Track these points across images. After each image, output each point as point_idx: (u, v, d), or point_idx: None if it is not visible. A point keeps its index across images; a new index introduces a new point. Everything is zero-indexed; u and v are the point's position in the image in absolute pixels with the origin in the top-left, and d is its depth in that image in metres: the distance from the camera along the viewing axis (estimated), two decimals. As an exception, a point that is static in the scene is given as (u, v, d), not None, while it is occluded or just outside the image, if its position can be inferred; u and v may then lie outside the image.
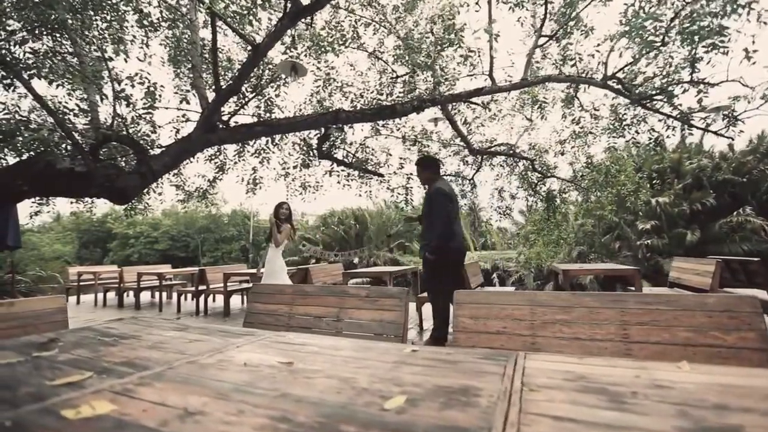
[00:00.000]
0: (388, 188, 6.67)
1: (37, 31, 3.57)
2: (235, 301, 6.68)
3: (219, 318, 5.57)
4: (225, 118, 4.88)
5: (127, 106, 4.08)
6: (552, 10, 5.11)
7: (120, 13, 4.16)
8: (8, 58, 3.38)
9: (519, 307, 1.61)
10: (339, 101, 6.00)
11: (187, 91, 5.56)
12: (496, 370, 0.82)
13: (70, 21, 3.47)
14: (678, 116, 4.86)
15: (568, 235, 9.21)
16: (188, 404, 0.63)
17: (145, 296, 7.48)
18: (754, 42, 3.89)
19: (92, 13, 3.91)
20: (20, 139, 3.60)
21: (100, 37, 4.24)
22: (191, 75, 5.28)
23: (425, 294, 3.78)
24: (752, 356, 1.27)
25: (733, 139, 4.65)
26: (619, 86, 4.90)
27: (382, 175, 6.40)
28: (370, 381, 0.75)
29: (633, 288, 3.99)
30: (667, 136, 5.13)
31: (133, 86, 3.91)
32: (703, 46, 3.85)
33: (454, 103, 6.13)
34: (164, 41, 5.26)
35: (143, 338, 1.17)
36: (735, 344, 1.31)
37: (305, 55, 5.53)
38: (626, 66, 4.78)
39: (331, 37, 5.43)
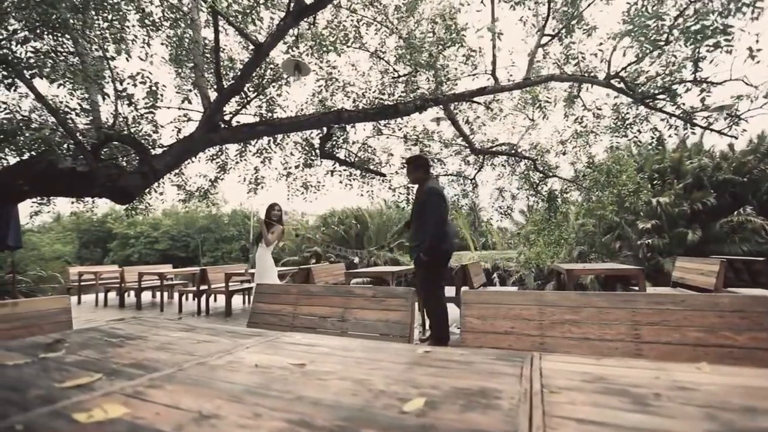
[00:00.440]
0: (389, 188, 6.67)
1: (38, 31, 3.55)
2: (236, 301, 6.66)
3: (220, 318, 5.56)
4: (227, 117, 4.87)
5: (129, 105, 4.06)
6: (554, 8, 5.10)
7: (121, 13, 4.14)
8: (10, 58, 3.36)
9: (527, 307, 1.60)
10: (341, 101, 6.00)
11: (189, 90, 5.54)
12: (512, 371, 0.81)
13: (71, 20, 3.45)
14: (681, 115, 4.85)
15: (569, 235, 9.19)
16: (202, 407, 0.62)
17: (145, 296, 7.46)
18: (758, 41, 3.88)
19: (94, 12, 3.89)
20: (21, 138, 3.58)
21: (102, 36, 4.23)
22: (193, 74, 5.26)
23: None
24: (765, 356, 1.25)
25: (736, 138, 4.64)
26: (622, 85, 4.88)
27: (384, 175, 6.39)
28: (385, 383, 0.73)
29: (637, 288, 3.98)
30: (669, 136, 5.12)
31: (135, 85, 3.89)
32: (707, 45, 3.83)
33: (456, 103, 6.12)
34: (166, 41, 5.25)
35: (150, 339, 1.15)
36: (747, 344, 1.29)
37: (307, 55, 5.52)
38: (630, 65, 4.76)
39: (333, 36, 5.41)
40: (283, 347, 1.04)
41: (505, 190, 7.61)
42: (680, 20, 4.03)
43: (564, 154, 6.90)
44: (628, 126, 5.67)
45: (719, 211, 10.59)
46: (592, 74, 5.22)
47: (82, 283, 7.23)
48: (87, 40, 4.09)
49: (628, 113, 5.68)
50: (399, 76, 5.89)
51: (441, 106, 5.67)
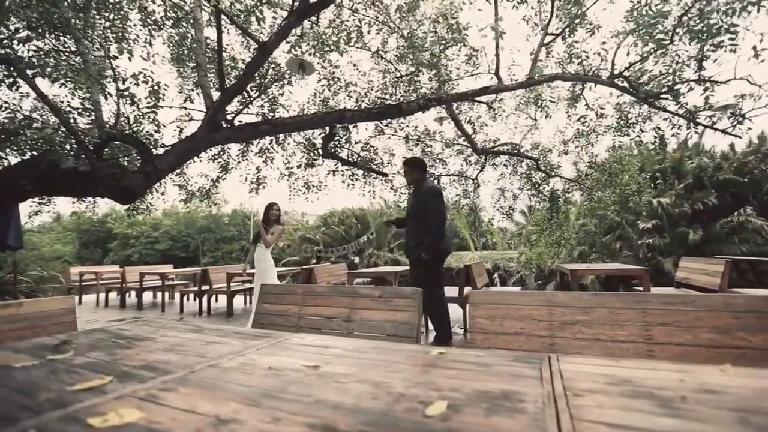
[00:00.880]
0: (391, 188, 6.65)
1: (40, 30, 3.54)
2: (237, 301, 6.64)
3: (222, 318, 5.54)
4: (229, 117, 4.85)
5: (131, 105, 4.05)
6: (558, 6, 5.07)
7: (123, 12, 4.13)
8: (12, 57, 3.35)
9: (537, 308, 1.58)
10: (343, 101, 5.98)
11: (191, 90, 5.52)
12: (531, 373, 0.79)
13: (73, 20, 3.44)
14: (684, 114, 4.83)
15: (570, 236, 9.18)
16: (219, 411, 0.60)
17: (146, 296, 7.44)
18: (762, 40, 3.86)
19: (95, 12, 3.87)
20: (23, 138, 3.56)
21: (104, 35, 4.21)
22: (195, 74, 5.24)
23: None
24: (780, 358, 1.24)
25: (740, 137, 4.63)
26: (626, 85, 4.87)
27: (386, 175, 6.37)
28: (404, 386, 0.72)
29: (641, 288, 3.96)
30: (672, 135, 5.10)
31: (137, 85, 3.88)
32: (712, 45, 3.82)
33: (458, 102, 6.10)
34: (167, 41, 5.23)
35: (158, 340, 1.13)
36: (762, 346, 1.28)
37: (309, 54, 5.50)
38: (634, 64, 4.75)
39: (336, 36, 5.40)
40: (294, 348, 1.03)
41: (507, 190, 7.59)
42: (685, 19, 4.02)
43: (566, 153, 6.89)
44: (631, 125, 5.66)
45: (720, 211, 10.58)
46: (595, 73, 5.21)
47: (83, 284, 7.20)
48: (89, 40, 4.08)
49: (630, 112, 5.67)
50: (401, 76, 5.88)
51: (444, 105, 5.65)
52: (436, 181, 7.01)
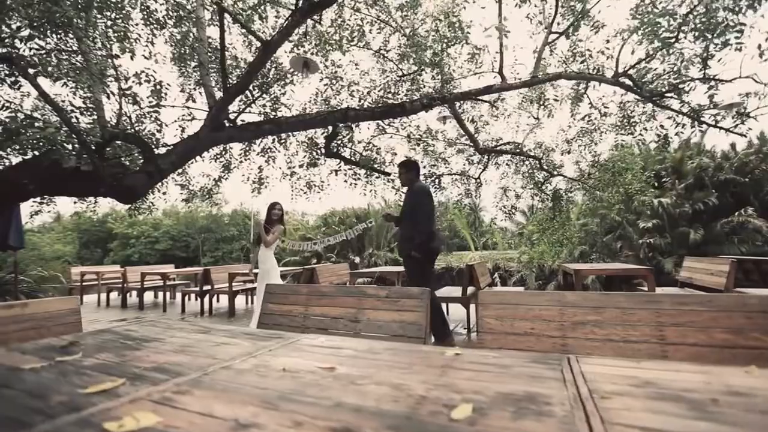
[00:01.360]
0: (393, 188, 6.63)
1: (42, 29, 3.52)
2: (238, 301, 6.63)
3: (224, 318, 5.53)
4: (231, 116, 4.83)
5: (133, 104, 4.02)
6: (561, 2, 5.04)
7: (125, 11, 4.11)
8: (13, 55, 3.33)
9: (547, 308, 1.57)
10: (346, 100, 5.96)
11: (193, 89, 5.50)
12: (552, 374, 0.77)
13: (75, 18, 3.42)
14: (689, 113, 4.81)
15: (572, 235, 9.16)
16: (238, 415, 0.59)
17: (147, 296, 7.43)
18: (767, 39, 3.85)
19: (97, 11, 3.85)
20: (25, 137, 3.54)
21: (106, 34, 4.19)
22: (198, 73, 5.22)
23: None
24: (797, 359, 1.22)
25: (745, 136, 4.61)
26: (630, 83, 4.85)
27: (388, 174, 6.35)
28: (425, 388, 0.70)
29: (645, 288, 3.95)
30: (676, 134, 5.08)
31: (139, 84, 3.86)
32: (718, 43, 3.80)
33: (462, 101, 6.08)
34: (169, 40, 5.21)
35: (167, 341, 1.12)
36: (777, 346, 1.26)
37: (312, 54, 5.49)
38: (639, 62, 4.72)
39: (338, 35, 5.38)
40: (306, 350, 1.01)
41: (509, 189, 7.57)
42: (690, 17, 4.00)
43: (569, 152, 6.87)
44: (634, 124, 5.64)
45: (720, 211, 10.57)
46: (599, 72, 5.18)
47: (84, 284, 7.19)
48: (91, 38, 4.06)
49: (634, 111, 5.65)
50: (404, 75, 5.86)
51: (446, 105, 5.63)
52: (438, 181, 7.00)
